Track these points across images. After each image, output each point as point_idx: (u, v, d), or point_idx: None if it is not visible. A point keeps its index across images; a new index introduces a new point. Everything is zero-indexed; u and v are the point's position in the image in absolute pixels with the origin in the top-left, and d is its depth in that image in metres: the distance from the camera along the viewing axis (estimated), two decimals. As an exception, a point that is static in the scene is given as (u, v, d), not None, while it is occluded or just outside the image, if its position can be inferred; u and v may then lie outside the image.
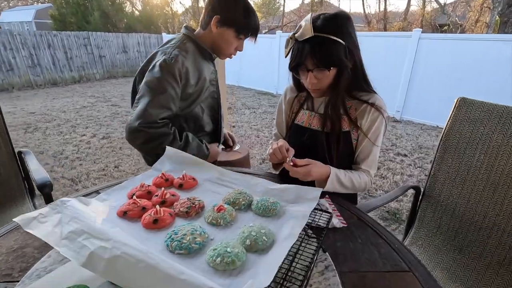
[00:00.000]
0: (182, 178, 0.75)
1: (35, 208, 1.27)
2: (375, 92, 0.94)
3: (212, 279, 0.43)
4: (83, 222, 0.46)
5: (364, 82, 0.92)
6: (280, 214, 0.66)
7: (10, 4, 29.75)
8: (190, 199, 0.65)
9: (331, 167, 0.88)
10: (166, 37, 10.78)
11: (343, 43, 0.81)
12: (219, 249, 0.48)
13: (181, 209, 0.62)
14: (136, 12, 16.84)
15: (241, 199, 0.67)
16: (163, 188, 0.68)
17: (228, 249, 0.48)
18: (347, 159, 0.96)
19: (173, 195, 0.68)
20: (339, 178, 0.88)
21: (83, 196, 0.85)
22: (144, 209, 0.60)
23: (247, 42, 1.20)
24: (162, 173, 0.76)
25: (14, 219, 0.48)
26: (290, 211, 0.66)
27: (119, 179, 2.88)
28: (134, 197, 0.63)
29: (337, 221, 0.75)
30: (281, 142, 0.87)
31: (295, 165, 0.82)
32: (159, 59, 1.03)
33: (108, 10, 13.50)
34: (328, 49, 0.81)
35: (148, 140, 0.98)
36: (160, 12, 16.96)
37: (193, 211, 0.62)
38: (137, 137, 0.98)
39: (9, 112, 5.15)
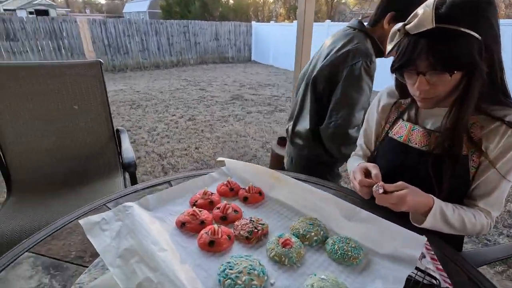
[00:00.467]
0: (248, 190, 0.68)
1: (125, 182, 1.41)
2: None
3: None
4: (138, 240, 0.44)
5: (501, 91, 0.67)
6: (363, 265, 0.52)
7: (132, -4, 35.02)
8: (253, 221, 0.57)
9: (434, 197, 0.68)
10: (255, 25, 11.00)
11: (479, 37, 0.59)
12: (277, 305, 0.39)
13: (241, 232, 0.55)
14: (231, 1, 17.68)
15: (313, 233, 0.56)
16: (225, 202, 0.62)
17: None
18: (459, 191, 0.74)
19: (235, 210, 0.62)
20: (445, 214, 0.67)
21: (157, 185, 0.88)
22: (203, 223, 0.56)
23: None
24: (228, 181, 0.71)
25: (79, 221, 0.50)
26: (377, 263, 0.51)
27: (197, 160, 3.10)
28: (194, 207, 0.59)
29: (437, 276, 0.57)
30: (359, 173, 0.72)
31: (385, 192, 0.65)
32: (357, 61, 1.03)
33: (206, 0, 14.55)
34: (454, 45, 0.59)
35: (348, 143, 1.07)
36: (252, 1, 17.39)
37: (255, 237, 0.55)
38: (341, 140, 1.07)
39: (121, 89, 6.09)
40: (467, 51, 0.59)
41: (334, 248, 0.53)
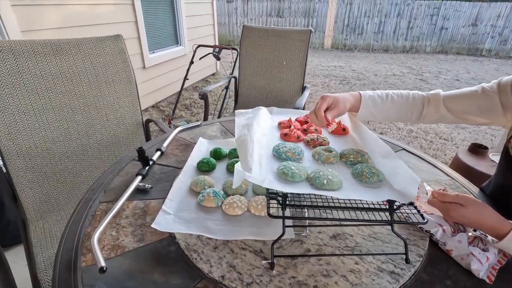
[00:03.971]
0: (338, 123, 0.83)
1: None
2: None
3: None
4: (252, 120, 0.75)
5: None
6: (371, 185, 0.60)
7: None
8: (320, 136, 0.75)
9: None
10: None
11: None
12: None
13: (306, 137, 0.76)
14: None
15: (352, 156, 0.65)
16: (317, 127, 0.82)
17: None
18: None
19: (316, 129, 0.80)
20: None
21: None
22: (298, 138, 0.78)
23: None
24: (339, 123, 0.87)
25: (236, 112, 0.85)
26: (382, 189, 0.58)
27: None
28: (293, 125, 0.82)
29: (483, 270, 0.53)
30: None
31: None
32: None
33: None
34: None
35: None
36: None
37: (313, 143, 0.73)
38: None
39: (340, 66, 6.62)
40: None
41: (357, 167, 0.62)
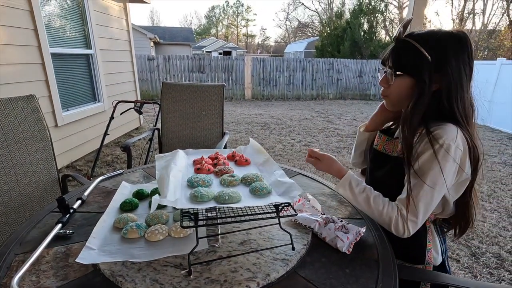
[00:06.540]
0: (240, 156, 1.03)
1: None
2: (457, 121, 0.75)
3: None
4: (170, 161, 0.87)
5: (446, 112, 0.76)
6: (262, 196, 0.77)
7: (296, 39, 40.15)
8: (227, 167, 0.92)
9: (350, 172, 0.86)
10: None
11: (428, 57, 0.74)
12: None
13: (215, 169, 0.93)
14: (387, 39, 17.30)
15: (249, 178, 0.84)
16: (224, 160, 0.99)
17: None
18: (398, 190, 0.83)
19: (224, 162, 0.98)
20: (352, 188, 0.83)
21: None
22: (208, 170, 0.93)
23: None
24: (234, 151, 1.08)
25: (155, 156, 0.98)
26: (270, 197, 0.76)
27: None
28: (204, 161, 0.98)
29: (345, 246, 0.74)
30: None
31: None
32: None
33: (358, 40, 14.97)
34: (406, 53, 0.77)
35: None
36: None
37: (220, 173, 0.90)
38: None
39: (261, 113, 7.32)
40: (414, 62, 0.76)
41: (253, 185, 0.79)
